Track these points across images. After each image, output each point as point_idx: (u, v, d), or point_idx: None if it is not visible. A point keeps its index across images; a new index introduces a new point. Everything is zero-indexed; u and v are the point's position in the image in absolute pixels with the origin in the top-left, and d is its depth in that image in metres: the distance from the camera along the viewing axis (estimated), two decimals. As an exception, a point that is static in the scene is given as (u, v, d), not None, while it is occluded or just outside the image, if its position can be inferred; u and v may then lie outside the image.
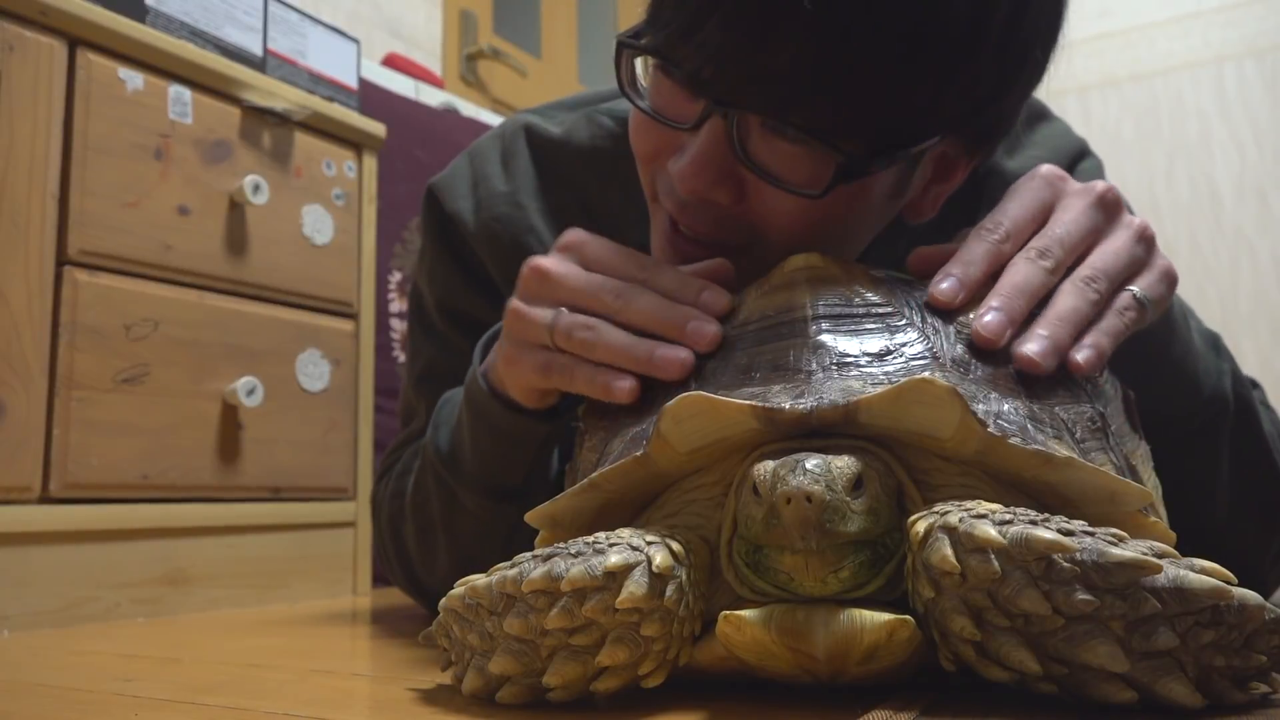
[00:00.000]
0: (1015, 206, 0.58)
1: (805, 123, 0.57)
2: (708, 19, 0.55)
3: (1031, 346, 0.51)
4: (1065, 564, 0.40)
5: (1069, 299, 0.54)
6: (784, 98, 0.56)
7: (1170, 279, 0.58)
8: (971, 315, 0.54)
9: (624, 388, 0.56)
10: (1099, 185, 0.58)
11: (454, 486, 0.75)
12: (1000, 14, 0.56)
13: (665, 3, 0.59)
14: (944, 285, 0.55)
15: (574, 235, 0.63)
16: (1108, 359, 0.54)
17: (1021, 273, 0.55)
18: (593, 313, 0.59)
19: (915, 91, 0.56)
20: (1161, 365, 0.65)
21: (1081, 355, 0.52)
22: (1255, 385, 0.81)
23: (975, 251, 0.56)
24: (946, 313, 0.55)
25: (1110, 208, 0.58)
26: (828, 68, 0.54)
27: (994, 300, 0.53)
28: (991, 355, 0.52)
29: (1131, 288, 0.56)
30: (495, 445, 0.70)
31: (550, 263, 0.61)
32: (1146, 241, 0.58)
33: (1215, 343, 0.72)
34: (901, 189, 0.64)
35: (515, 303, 0.62)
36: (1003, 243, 0.57)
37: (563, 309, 0.60)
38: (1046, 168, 0.60)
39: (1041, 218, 0.58)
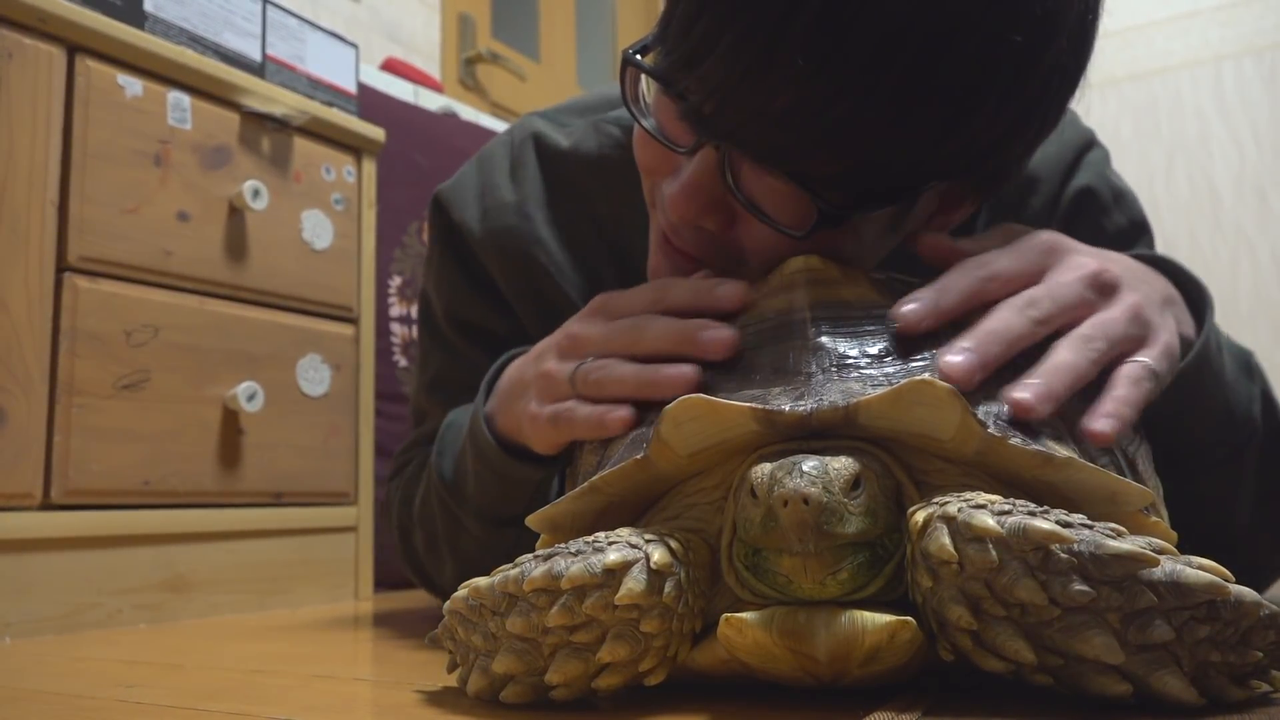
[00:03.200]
0: (1009, 255, 0.56)
1: (794, 170, 0.56)
2: (709, 54, 0.54)
3: (1024, 393, 0.49)
4: (1062, 555, 0.40)
5: (1066, 353, 0.52)
6: (775, 145, 0.55)
7: (1173, 354, 0.56)
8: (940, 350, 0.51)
9: (617, 418, 0.56)
10: (1094, 265, 0.56)
11: (456, 511, 0.77)
12: (1003, 76, 0.53)
13: (671, 28, 0.58)
14: (909, 307, 0.53)
15: (600, 298, 0.64)
16: (1128, 430, 0.51)
17: (1002, 319, 0.52)
18: (613, 354, 0.60)
19: (908, 148, 0.54)
20: (1194, 402, 0.63)
21: (1101, 424, 0.50)
22: None
23: (956, 281, 0.54)
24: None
25: (1105, 288, 0.55)
26: (820, 121, 0.53)
27: (965, 341, 0.51)
28: None
29: (1143, 359, 0.54)
30: (497, 485, 0.71)
31: (579, 325, 0.63)
32: (1141, 321, 0.55)
33: (1247, 364, 0.69)
34: (898, 225, 0.63)
35: (548, 364, 0.63)
36: (988, 280, 0.54)
37: (587, 359, 0.61)
38: (1049, 235, 0.58)
39: (1033, 276, 0.56)
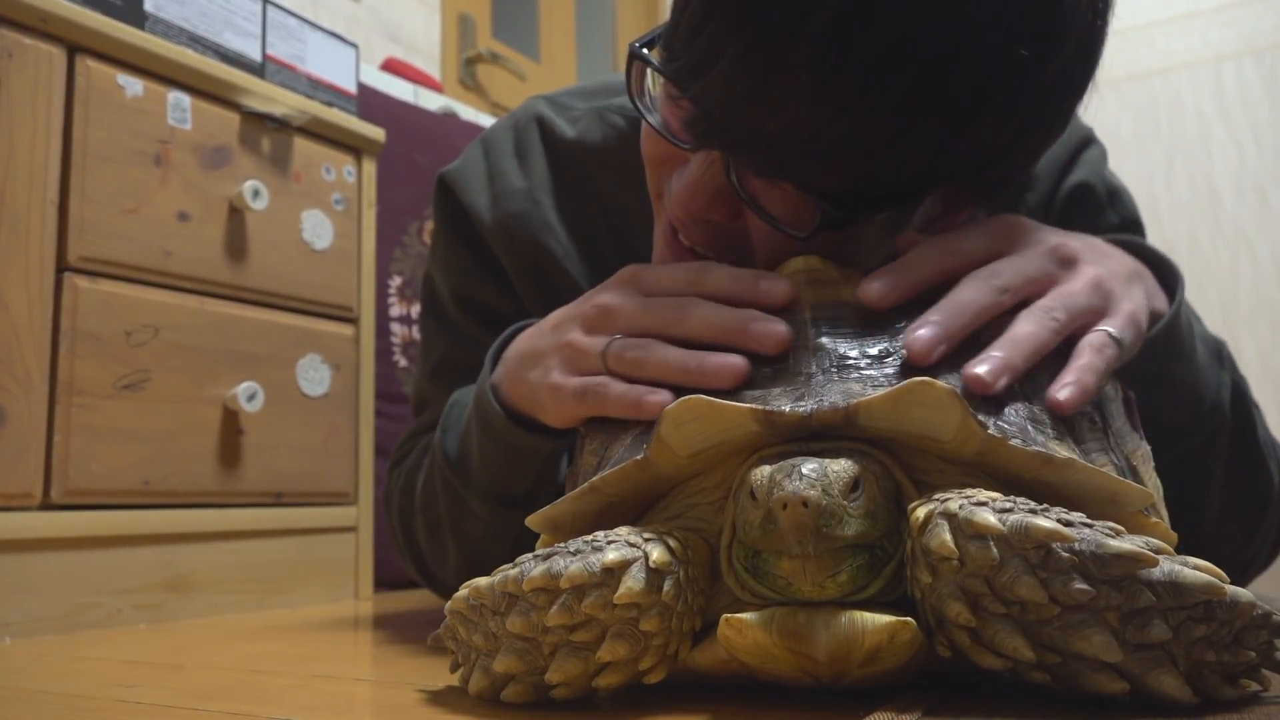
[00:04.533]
0: (975, 236, 0.57)
1: (795, 182, 0.56)
2: (713, 65, 0.54)
3: (982, 367, 0.50)
4: (1063, 553, 0.41)
5: (1026, 325, 0.52)
6: (777, 158, 0.55)
7: (1136, 324, 0.57)
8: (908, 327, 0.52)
9: (656, 401, 0.54)
10: (1053, 240, 0.57)
11: (461, 492, 0.75)
12: (1008, 88, 0.53)
13: (678, 33, 0.57)
14: (874, 285, 0.54)
15: (630, 269, 0.62)
16: (1091, 397, 0.52)
17: (967, 290, 0.53)
18: (650, 333, 0.57)
19: (911, 160, 0.55)
20: (1163, 380, 0.63)
21: (1064, 393, 0.51)
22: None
23: (921, 260, 0.56)
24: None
25: (1065, 260, 0.57)
26: (823, 136, 0.53)
27: (932, 314, 0.52)
28: None
29: (1105, 327, 0.55)
30: (503, 457, 0.70)
31: (610, 297, 0.60)
32: (1103, 291, 0.56)
33: (1219, 352, 0.70)
34: (899, 227, 0.63)
35: (573, 335, 0.61)
36: (953, 255, 0.56)
37: (619, 335, 0.58)
38: (1010, 217, 0.60)
39: (997, 254, 0.57)
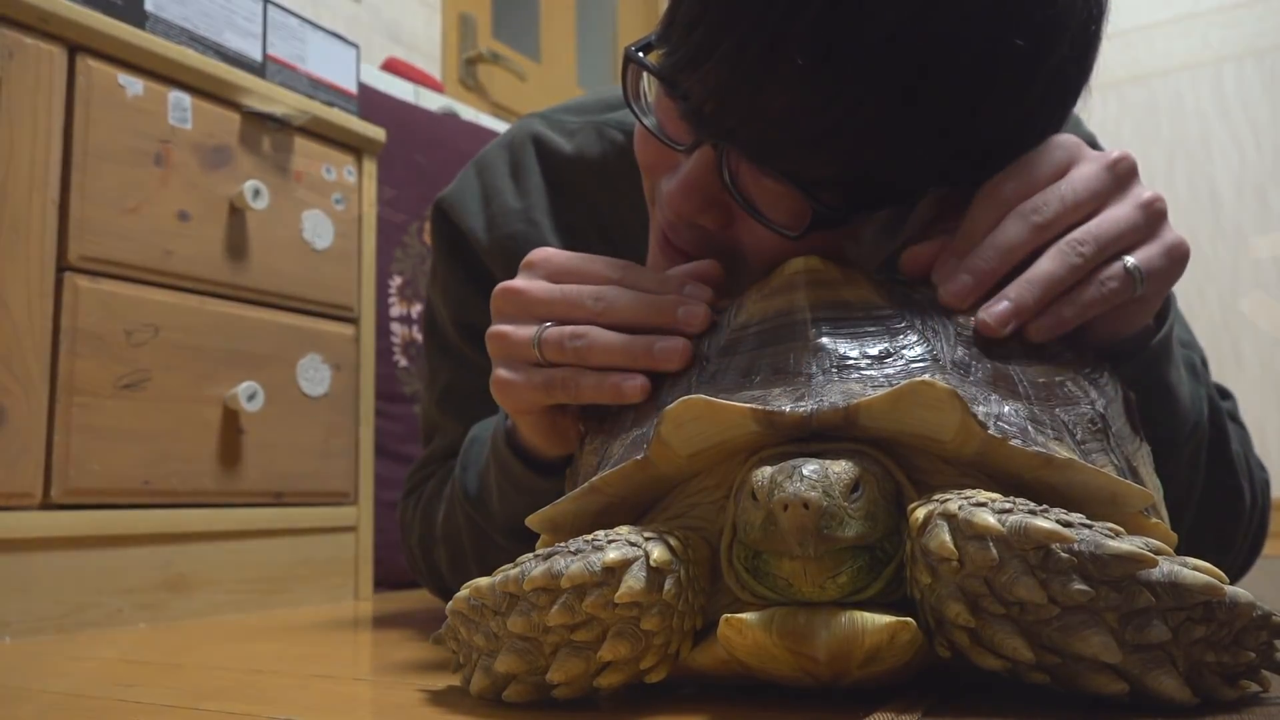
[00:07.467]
0: (1029, 170, 0.56)
1: (788, 171, 0.56)
2: (711, 54, 0.54)
3: (991, 312, 0.51)
4: (1063, 554, 0.41)
5: (1048, 263, 0.53)
6: (771, 145, 0.55)
7: (1175, 255, 0.55)
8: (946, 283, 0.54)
9: (635, 386, 0.56)
10: (1114, 153, 0.56)
11: (484, 526, 0.77)
12: (1002, 82, 0.53)
13: (674, 27, 0.58)
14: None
15: (537, 253, 0.62)
16: (1067, 329, 0.52)
17: (1007, 232, 0.54)
18: (576, 321, 0.58)
19: (904, 151, 0.55)
20: (1153, 390, 0.63)
21: (1035, 323, 0.52)
22: (1226, 395, 0.80)
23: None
24: (947, 311, 0.55)
25: (1122, 176, 0.55)
26: (817, 122, 0.53)
27: (967, 261, 0.53)
28: (992, 357, 0.52)
29: (1125, 258, 0.54)
30: (521, 498, 0.70)
31: (519, 282, 0.61)
32: (1153, 214, 0.55)
33: (1193, 364, 0.71)
34: (896, 229, 0.63)
35: (495, 326, 0.61)
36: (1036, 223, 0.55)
37: (546, 323, 0.59)
38: (1064, 137, 0.58)
39: (1053, 180, 0.56)
